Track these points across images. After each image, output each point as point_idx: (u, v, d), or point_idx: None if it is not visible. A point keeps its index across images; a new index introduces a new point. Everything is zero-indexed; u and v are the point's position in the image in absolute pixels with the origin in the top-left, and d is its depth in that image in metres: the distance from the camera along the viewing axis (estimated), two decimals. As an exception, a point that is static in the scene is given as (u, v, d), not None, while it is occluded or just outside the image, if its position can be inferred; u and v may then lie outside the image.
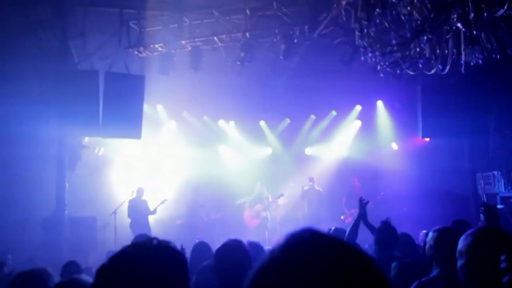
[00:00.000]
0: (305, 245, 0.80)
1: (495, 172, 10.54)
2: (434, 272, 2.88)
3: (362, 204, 4.67)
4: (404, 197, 11.24)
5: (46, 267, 2.89)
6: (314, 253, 0.79)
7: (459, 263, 2.15)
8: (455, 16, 4.85)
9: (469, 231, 2.18)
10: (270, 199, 11.36)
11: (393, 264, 3.58)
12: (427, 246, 2.98)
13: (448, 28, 5.17)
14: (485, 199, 10.37)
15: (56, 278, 3.23)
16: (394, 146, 12.74)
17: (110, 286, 1.33)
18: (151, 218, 10.32)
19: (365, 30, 5.15)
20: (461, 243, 2.15)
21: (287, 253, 0.80)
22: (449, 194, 11.12)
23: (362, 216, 4.58)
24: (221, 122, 13.16)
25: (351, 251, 0.82)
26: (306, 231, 0.84)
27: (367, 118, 12.75)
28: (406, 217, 11.11)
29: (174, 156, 12.57)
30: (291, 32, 8.82)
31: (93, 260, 8.88)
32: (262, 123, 13.18)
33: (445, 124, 9.75)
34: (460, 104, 9.67)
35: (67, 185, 9.22)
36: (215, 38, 9.14)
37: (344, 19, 8.03)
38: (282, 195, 11.28)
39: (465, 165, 11.01)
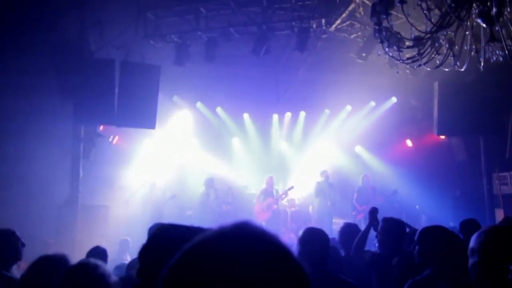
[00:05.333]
0: (230, 238, 0.80)
1: (512, 173, 10.36)
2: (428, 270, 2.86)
3: (374, 215, 4.36)
4: (417, 195, 11.14)
5: (65, 254, 2.93)
6: (236, 246, 0.78)
7: (471, 261, 2.11)
8: (476, 11, 4.76)
9: (482, 229, 2.14)
10: (280, 192, 11.36)
11: (395, 260, 3.54)
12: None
13: (468, 24, 5.08)
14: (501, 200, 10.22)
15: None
16: (409, 143, 12.61)
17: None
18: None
19: (383, 24, 5.08)
20: (473, 241, 2.12)
21: (211, 242, 0.80)
22: (464, 193, 10.99)
23: (371, 226, 4.29)
24: (235, 114, 13.16)
25: (272, 246, 0.81)
26: (239, 223, 0.83)
27: (381, 114, 12.64)
28: (418, 215, 11.04)
29: (186, 147, 12.63)
30: (308, 26, 8.74)
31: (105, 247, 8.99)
32: (275, 116, 13.14)
33: (462, 122, 9.60)
34: (478, 102, 9.49)
35: (81, 172, 9.32)
36: (231, 29, 9.11)
37: (362, 13, 7.95)
38: (292, 187, 11.27)
39: (481, 165, 10.83)
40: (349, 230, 4.48)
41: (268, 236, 0.82)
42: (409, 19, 4.84)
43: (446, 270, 2.81)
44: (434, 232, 2.96)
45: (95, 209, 9.63)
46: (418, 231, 3.02)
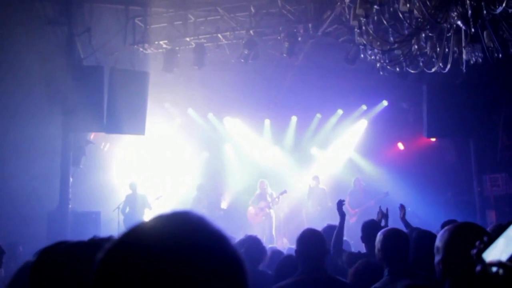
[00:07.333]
0: (167, 224, 0.81)
1: (503, 174, 10.39)
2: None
3: (340, 206, 4.61)
4: (409, 197, 11.15)
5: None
6: (172, 233, 0.79)
7: (436, 258, 2.14)
8: (455, 13, 4.80)
9: (446, 227, 2.16)
10: (274, 196, 11.36)
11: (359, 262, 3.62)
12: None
13: (449, 26, 5.12)
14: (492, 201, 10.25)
15: None
16: (400, 146, 12.66)
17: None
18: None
19: (364, 28, 5.12)
20: (438, 239, 2.14)
21: (147, 229, 0.81)
22: (455, 195, 11.01)
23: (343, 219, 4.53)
24: (226, 120, 13.18)
25: (208, 235, 0.82)
26: (178, 212, 0.84)
27: (373, 117, 12.70)
28: (409, 217, 11.03)
29: (179, 153, 12.63)
30: (295, 30, 8.80)
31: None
32: (267, 121, 13.17)
33: (451, 124, 9.65)
34: (468, 104, 9.54)
35: (71, 179, 9.30)
36: (219, 35, 9.15)
37: (348, 17, 7.99)
38: (285, 191, 11.27)
39: (472, 166, 10.87)
40: (331, 231, 4.52)
41: (206, 225, 0.83)
42: (388, 22, 4.89)
43: (398, 270, 2.93)
44: (388, 234, 3.14)
45: (86, 215, 9.60)
46: (378, 234, 3.12)
